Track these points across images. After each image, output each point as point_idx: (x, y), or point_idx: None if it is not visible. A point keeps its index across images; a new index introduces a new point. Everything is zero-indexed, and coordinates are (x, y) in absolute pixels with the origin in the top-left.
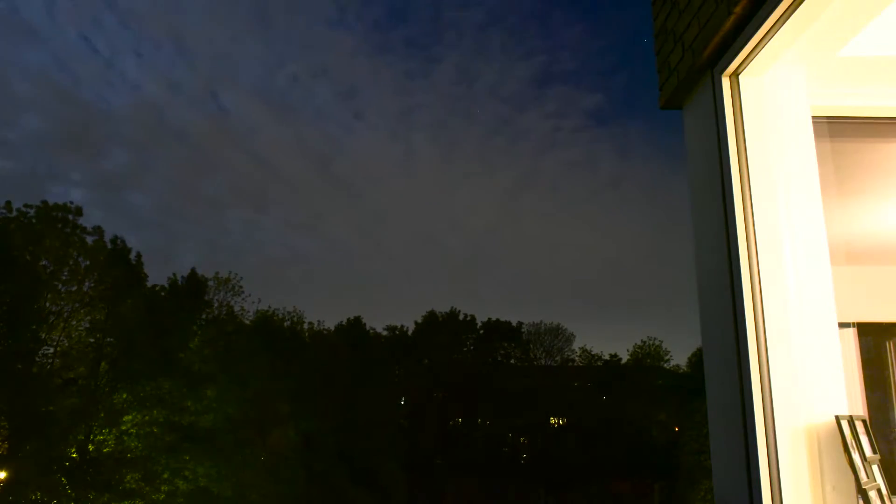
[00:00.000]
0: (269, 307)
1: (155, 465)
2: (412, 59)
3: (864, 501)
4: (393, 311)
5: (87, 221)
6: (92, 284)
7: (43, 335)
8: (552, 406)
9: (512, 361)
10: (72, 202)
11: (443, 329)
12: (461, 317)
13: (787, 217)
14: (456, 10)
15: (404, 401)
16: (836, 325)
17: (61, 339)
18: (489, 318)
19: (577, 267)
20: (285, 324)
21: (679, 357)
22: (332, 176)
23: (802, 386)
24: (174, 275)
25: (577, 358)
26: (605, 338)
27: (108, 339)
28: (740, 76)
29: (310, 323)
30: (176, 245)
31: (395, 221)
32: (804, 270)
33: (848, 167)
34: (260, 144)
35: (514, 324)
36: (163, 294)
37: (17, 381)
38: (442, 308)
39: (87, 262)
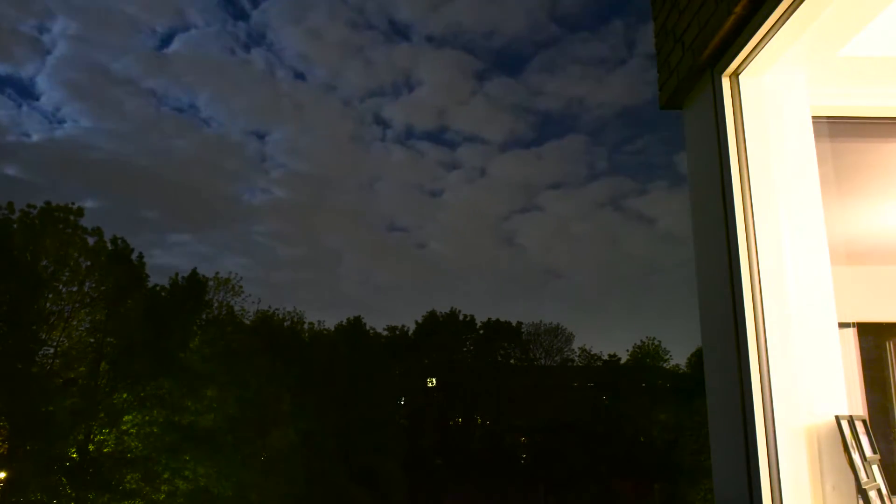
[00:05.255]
0: (270, 307)
1: (155, 465)
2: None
3: (864, 501)
4: (393, 311)
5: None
6: (92, 285)
7: (43, 335)
8: (552, 406)
9: (512, 361)
10: (73, 203)
11: (443, 329)
12: (461, 317)
13: (787, 217)
14: None
15: (404, 401)
16: (836, 325)
17: (61, 339)
18: (489, 318)
19: (577, 267)
20: (285, 324)
21: (679, 357)
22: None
23: (802, 386)
24: (175, 275)
25: (576, 358)
26: (604, 338)
27: (108, 339)
28: (740, 76)
29: (310, 323)
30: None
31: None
32: (804, 270)
33: (848, 167)
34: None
35: (513, 324)
36: (163, 294)
37: (17, 381)
38: (442, 308)
39: (88, 263)
